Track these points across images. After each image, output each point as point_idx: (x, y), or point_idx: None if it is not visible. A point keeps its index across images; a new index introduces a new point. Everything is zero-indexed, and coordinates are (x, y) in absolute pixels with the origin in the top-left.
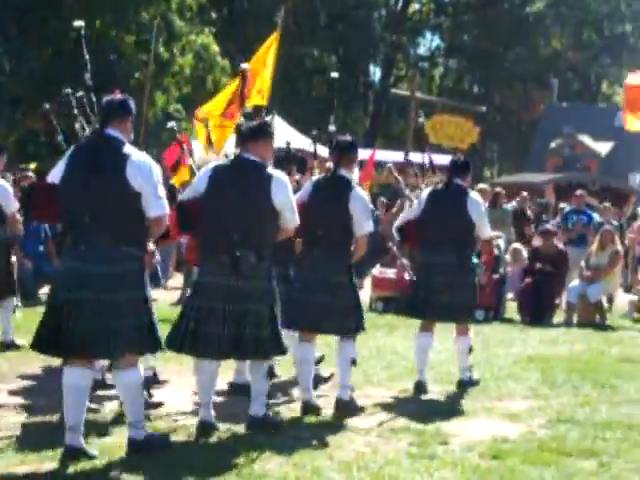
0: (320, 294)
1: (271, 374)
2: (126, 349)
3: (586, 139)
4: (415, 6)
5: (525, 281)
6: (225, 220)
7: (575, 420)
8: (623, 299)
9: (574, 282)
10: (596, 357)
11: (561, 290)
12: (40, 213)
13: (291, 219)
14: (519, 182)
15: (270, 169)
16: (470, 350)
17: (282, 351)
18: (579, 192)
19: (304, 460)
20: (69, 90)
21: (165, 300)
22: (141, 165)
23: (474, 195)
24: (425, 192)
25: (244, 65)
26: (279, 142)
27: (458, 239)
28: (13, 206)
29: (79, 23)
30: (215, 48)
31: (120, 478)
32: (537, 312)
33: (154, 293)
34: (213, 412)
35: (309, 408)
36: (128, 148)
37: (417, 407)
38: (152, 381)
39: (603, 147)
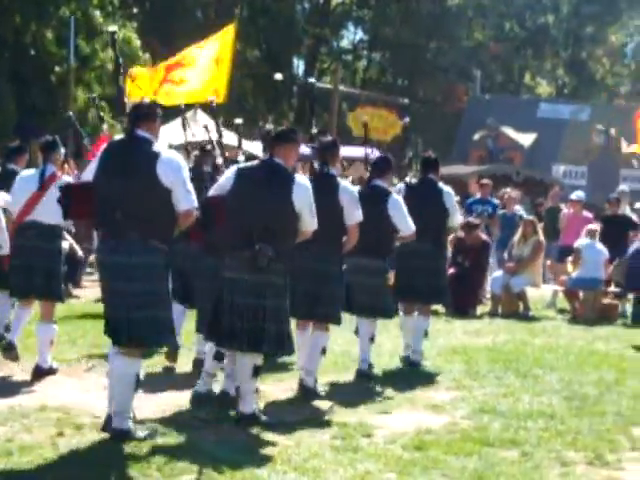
0: (314, 284)
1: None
2: (144, 340)
3: (509, 131)
4: None
5: (449, 272)
6: (247, 218)
7: (498, 410)
8: (547, 289)
9: (497, 273)
10: (519, 347)
11: (483, 281)
12: (76, 211)
13: (310, 222)
14: (444, 174)
15: (293, 173)
16: (426, 334)
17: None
18: (485, 181)
19: (226, 455)
20: (95, 95)
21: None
22: (171, 162)
23: (447, 188)
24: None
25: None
26: (205, 136)
27: (435, 228)
28: None
29: (113, 28)
30: (137, 42)
31: None
32: (461, 304)
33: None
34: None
35: (305, 390)
36: (157, 147)
37: (340, 400)
38: None
39: (526, 139)
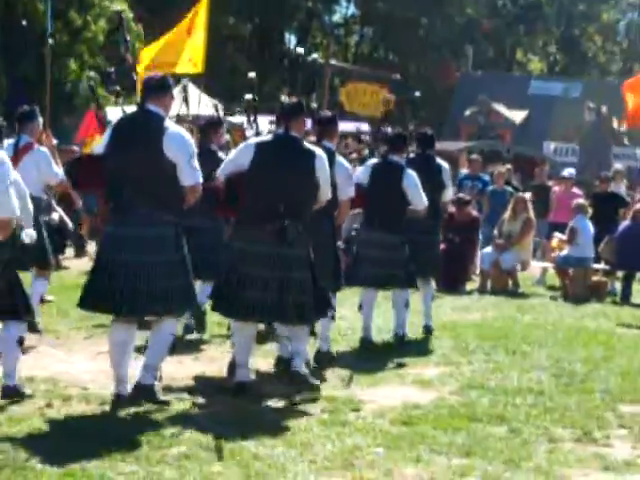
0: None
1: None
2: (161, 309)
3: (500, 107)
4: None
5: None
6: (273, 192)
7: (486, 386)
8: (536, 266)
9: (487, 249)
10: (508, 324)
11: (474, 257)
12: (85, 182)
13: (327, 192)
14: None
15: (310, 145)
16: (432, 297)
17: (325, 313)
18: (474, 156)
19: (214, 427)
20: (112, 69)
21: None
22: (176, 137)
23: (443, 163)
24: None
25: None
26: (195, 110)
27: (434, 202)
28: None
29: (118, 7)
30: (129, 14)
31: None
32: (450, 279)
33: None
34: (252, 374)
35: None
36: (166, 122)
37: (329, 374)
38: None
39: (517, 115)
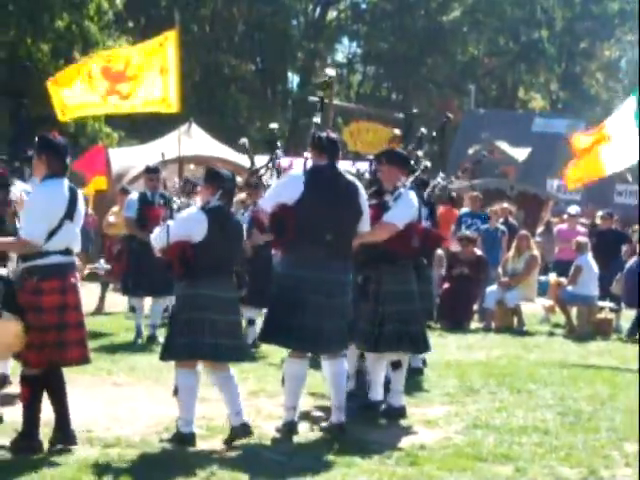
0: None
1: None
2: (340, 345)
3: (503, 145)
4: (333, 14)
5: (443, 287)
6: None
7: (492, 425)
8: (540, 304)
9: (491, 287)
10: (513, 362)
11: (478, 296)
12: (287, 234)
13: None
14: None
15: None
16: None
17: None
18: (475, 194)
19: (218, 471)
20: (275, 125)
21: None
22: (363, 192)
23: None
24: None
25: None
26: (199, 150)
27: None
28: None
29: (332, 72)
30: None
31: None
32: (455, 318)
33: None
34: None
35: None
36: (350, 178)
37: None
38: None
39: (520, 153)
